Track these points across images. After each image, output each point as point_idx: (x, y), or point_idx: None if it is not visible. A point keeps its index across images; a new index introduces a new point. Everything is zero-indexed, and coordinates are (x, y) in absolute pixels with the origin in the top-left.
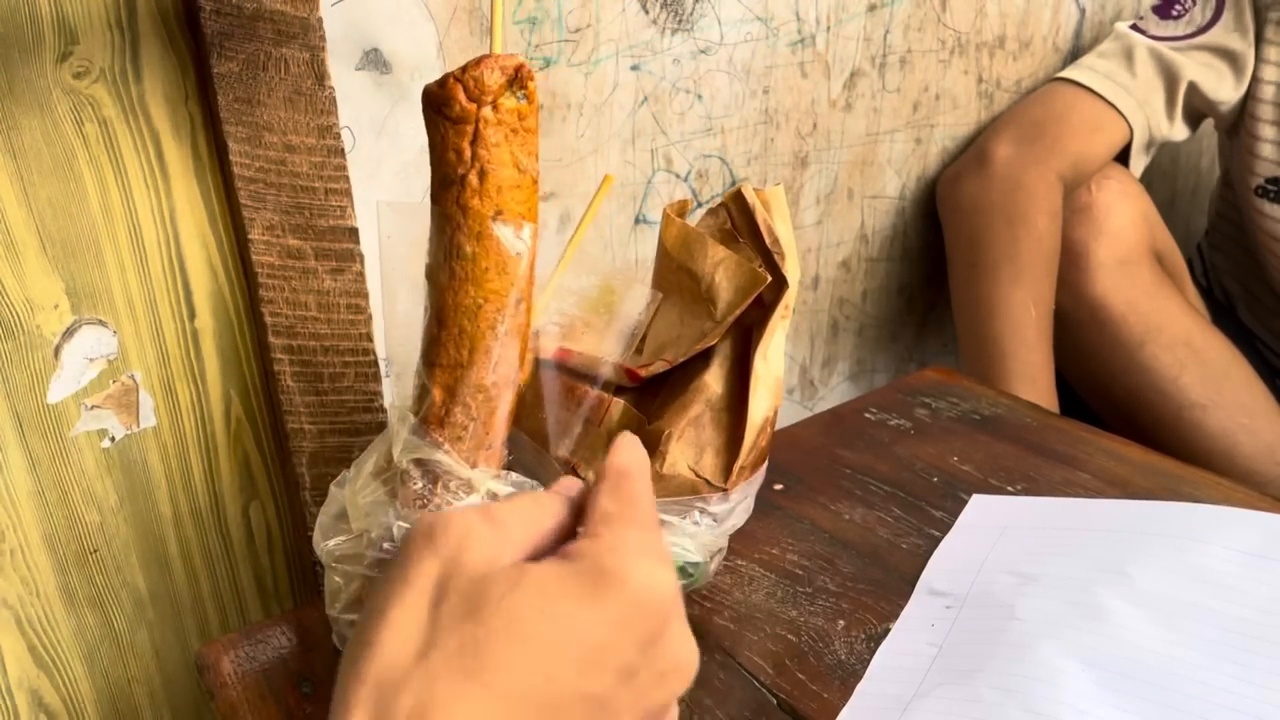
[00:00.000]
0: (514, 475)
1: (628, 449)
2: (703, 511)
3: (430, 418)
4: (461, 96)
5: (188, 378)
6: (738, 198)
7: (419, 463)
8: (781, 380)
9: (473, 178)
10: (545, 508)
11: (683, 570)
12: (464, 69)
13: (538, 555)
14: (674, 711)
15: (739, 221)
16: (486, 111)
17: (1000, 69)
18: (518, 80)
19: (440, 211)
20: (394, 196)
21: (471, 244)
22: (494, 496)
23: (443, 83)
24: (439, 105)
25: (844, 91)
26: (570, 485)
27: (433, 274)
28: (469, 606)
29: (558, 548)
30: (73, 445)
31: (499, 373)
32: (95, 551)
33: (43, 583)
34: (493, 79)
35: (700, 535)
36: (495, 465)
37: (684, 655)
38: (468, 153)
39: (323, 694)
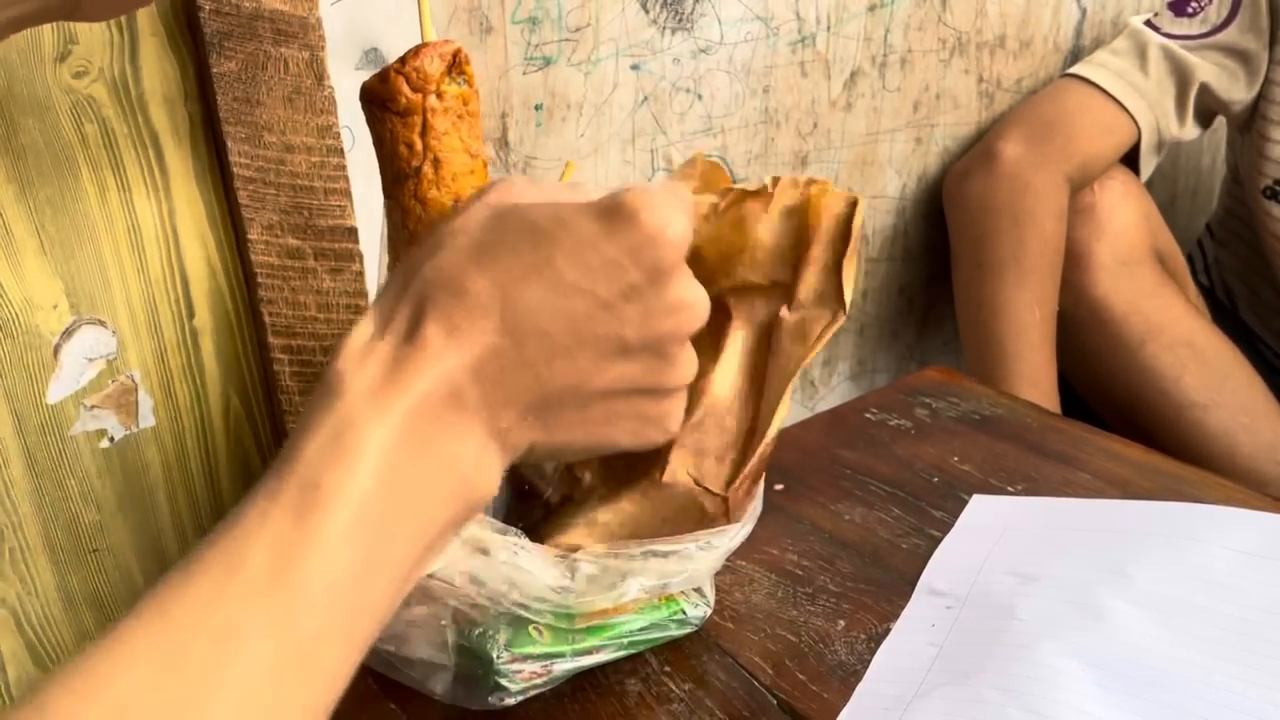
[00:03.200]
0: (496, 522)
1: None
2: (708, 545)
3: None
4: (406, 89)
5: (187, 378)
6: (848, 207)
7: None
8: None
9: (427, 169)
10: (589, 188)
11: (683, 620)
12: (403, 61)
13: None
14: (690, 355)
15: (816, 226)
16: (432, 100)
17: (1001, 69)
18: (456, 65)
19: (398, 207)
20: None
21: None
22: (478, 544)
23: (383, 77)
24: (384, 100)
25: (844, 91)
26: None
27: None
28: (496, 217)
29: None
30: (72, 445)
31: None
32: (95, 551)
33: (42, 583)
34: (433, 67)
35: (704, 560)
36: None
37: (694, 294)
38: (419, 144)
39: None
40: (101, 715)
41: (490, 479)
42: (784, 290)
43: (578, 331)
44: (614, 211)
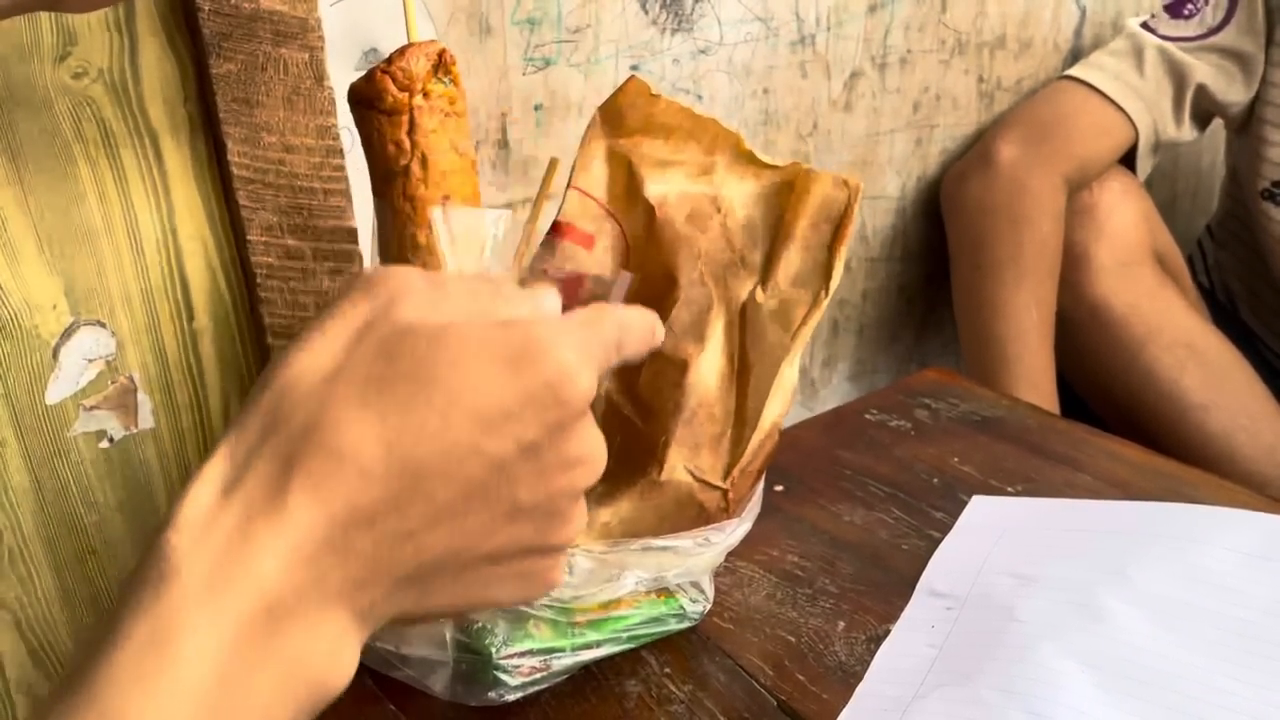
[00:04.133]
0: None
1: (636, 308)
2: (706, 542)
3: None
4: (392, 88)
5: (186, 379)
6: (841, 190)
7: None
8: (794, 390)
9: (415, 167)
10: (501, 293)
11: (682, 615)
12: (389, 61)
13: None
14: (581, 509)
15: (798, 205)
16: (419, 99)
17: (1001, 69)
18: (442, 65)
19: (387, 206)
20: None
21: (424, 234)
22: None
23: (370, 77)
24: (371, 100)
25: (844, 92)
26: (545, 293)
27: None
28: (385, 349)
29: None
30: (71, 446)
31: None
32: (94, 552)
33: (42, 584)
34: (419, 67)
35: (704, 556)
36: None
37: (593, 448)
38: (406, 143)
39: None
40: None
41: (344, 671)
42: (753, 270)
43: (468, 496)
44: (519, 360)
